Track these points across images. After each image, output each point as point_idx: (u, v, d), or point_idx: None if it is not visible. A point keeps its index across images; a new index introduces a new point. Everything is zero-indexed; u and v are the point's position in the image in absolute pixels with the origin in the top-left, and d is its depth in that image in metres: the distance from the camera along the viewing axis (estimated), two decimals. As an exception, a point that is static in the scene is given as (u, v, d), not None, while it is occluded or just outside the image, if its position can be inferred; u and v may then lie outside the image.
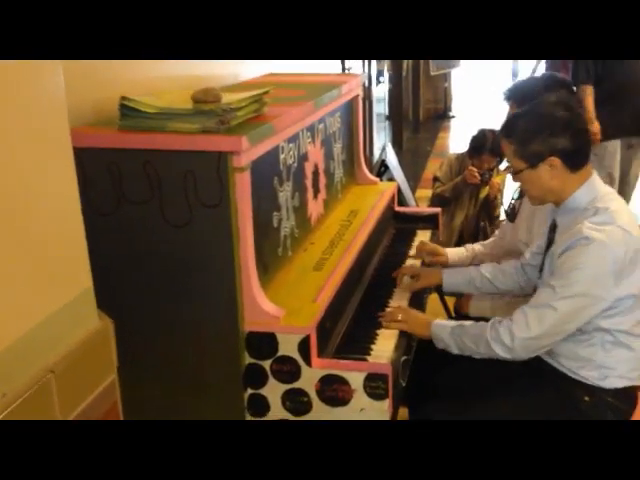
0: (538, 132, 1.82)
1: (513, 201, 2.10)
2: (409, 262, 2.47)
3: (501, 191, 3.74)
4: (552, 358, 1.93)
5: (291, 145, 2.03)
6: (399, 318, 2.00)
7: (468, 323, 1.93)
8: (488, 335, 1.84)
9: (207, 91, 1.73)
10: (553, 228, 1.96)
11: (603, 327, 1.83)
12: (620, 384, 1.88)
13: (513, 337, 1.81)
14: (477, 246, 2.53)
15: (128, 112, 1.66)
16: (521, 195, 2.31)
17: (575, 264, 1.77)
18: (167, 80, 2.07)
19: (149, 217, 1.67)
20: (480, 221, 3.74)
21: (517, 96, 2.23)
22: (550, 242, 1.96)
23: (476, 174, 3.54)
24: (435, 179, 3.83)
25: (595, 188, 1.87)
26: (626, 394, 1.90)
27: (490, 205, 3.72)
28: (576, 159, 1.84)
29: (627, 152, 4.84)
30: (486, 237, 3.43)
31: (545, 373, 1.94)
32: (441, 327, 1.97)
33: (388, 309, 2.07)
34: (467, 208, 3.74)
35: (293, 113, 1.95)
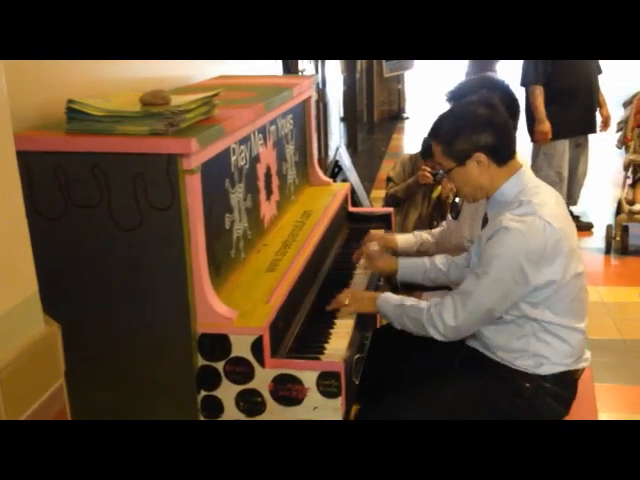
0: (461, 130, 1.90)
1: (457, 199, 2.15)
2: (361, 263, 2.49)
3: (453, 191, 3.78)
4: (489, 351, 1.99)
5: (242, 147, 2.03)
6: (346, 302, 2.07)
7: (409, 303, 2.00)
8: (424, 318, 1.93)
9: (156, 93, 1.73)
10: (485, 221, 2.03)
11: (530, 316, 1.89)
12: (556, 370, 1.94)
13: (444, 324, 1.91)
14: (425, 234, 2.61)
15: (75, 115, 1.64)
16: None
17: (494, 252, 1.85)
18: (116, 82, 2.05)
19: (98, 221, 1.66)
20: (433, 220, 3.79)
21: (457, 97, 2.30)
22: None
23: (428, 174, 3.58)
24: (388, 179, 3.87)
25: (522, 181, 1.94)
26: (564, 380, 1.96)
27: (442, 205, 3.78)
28: (501, 153, 1.92)
29: (575, 150, 4.97)
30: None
31: (489, 364, 1.99)
32: (385, 302, 2.05)
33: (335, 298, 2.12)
34: (420, 208, 3.78)
35: (244, 115, 1.95)
